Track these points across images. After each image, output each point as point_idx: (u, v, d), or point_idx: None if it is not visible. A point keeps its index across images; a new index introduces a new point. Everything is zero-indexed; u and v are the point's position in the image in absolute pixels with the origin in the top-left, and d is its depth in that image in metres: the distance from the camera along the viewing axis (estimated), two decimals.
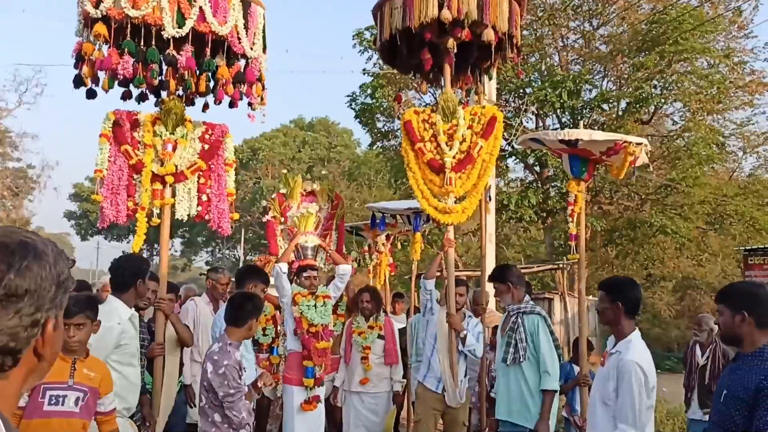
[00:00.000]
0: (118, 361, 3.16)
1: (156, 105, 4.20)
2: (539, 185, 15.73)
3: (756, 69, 16.21)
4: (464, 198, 4.50)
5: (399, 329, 5.71)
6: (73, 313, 2.62)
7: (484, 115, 4.51)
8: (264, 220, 5.92)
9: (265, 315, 4.91)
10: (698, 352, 5.12)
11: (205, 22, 3.80)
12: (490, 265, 6.81)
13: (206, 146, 4.16)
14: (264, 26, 4.16)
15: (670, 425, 7.33)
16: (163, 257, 4.17)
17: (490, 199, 7.91)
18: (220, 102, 4.11)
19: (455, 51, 4.44)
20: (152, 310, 4.24)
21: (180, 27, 3.75)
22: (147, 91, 4.17)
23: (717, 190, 15.90)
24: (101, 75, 3.84)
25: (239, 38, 3.95)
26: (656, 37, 14.31)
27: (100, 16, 3.65)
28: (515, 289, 3.92)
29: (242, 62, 4.14)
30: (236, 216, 4.32)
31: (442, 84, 4.75)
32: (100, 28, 3.65)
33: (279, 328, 5.08)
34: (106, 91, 3.89)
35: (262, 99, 4.15)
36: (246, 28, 3.99)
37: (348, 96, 17.20)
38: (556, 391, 3.76)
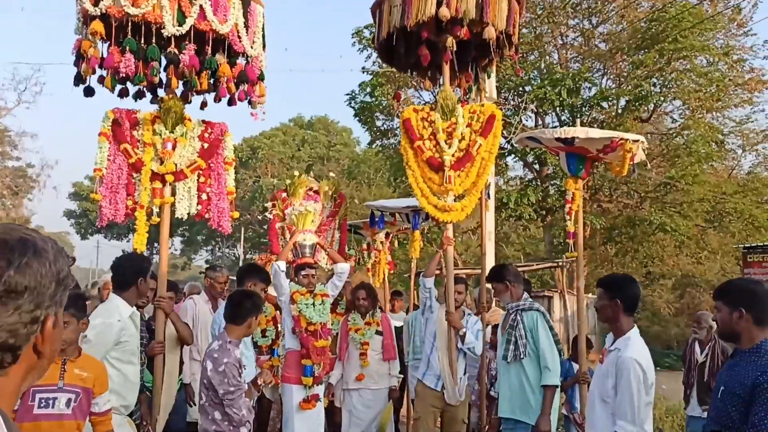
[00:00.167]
0: (118, 359, 3.17)
1: (152, 102, 4.21)
2: (539, 183, 15.74)
3: (755, 66, 16.24)
4: (463, 196, 4.51)
5: (397, 327, 5.71)
6: None
7: (483, 113, 4.52)
8: (269, 215, 5.88)
9: (266, 316, 4.88)
10: (697, 349, 5.13)
11: (206, 20, 3.81)
12: (490, 263, 6.82)
13: (206, 145, 4.16)
14: (263, 24, 4.16)
15: (669, 422, 7.35)
16: (162, 256, 4.17)
17: (489, 197, 7.91)
18: (221, 99, 4.11)
19: (454, 49, 4.44)
20: (152, 308, 4.25)
21: (180, 25, 3.75)
22: (144, 89, 4.17)
23: (716, 187, 15.91)
24: (102, 73, 3.85)
25: (239, 36, 3.95)
26: (655, 35, 14.31)
27: (99, 13, 3.65)
28: (513, 287, 3.94)
29: (242, 61, 4.14)
30: (236, 214, 4.32)
31: (441, 82, 4.75)
32: (97, 26, 3.65)
33: (280, 329, 5.04)
34: (112, 90, 3.90)
35: (262, 97, 4.16)
36: (246, 26, 4.00)
37: (347, 94, 17.22)
38: (557, 387, 3.78)
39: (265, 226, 6.01)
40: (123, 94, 4.13)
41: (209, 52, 3.90)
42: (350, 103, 17.21)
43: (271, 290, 4.75)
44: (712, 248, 17.43)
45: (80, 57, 3.82)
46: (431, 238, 16.46)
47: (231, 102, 4.14)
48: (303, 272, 4.70)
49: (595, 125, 14.30)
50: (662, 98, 15.18)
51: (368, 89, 16.56)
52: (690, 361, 5.18)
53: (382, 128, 17.82)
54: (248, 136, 34.98)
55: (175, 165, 4.01)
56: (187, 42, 3.82)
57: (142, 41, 3.78)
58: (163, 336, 3.97)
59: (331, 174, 6.10)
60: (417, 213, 6.94)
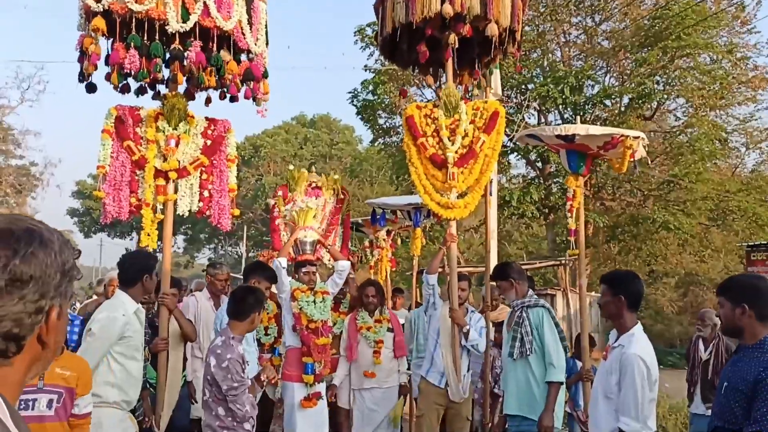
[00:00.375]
0: (122, 354, 3.18)
1: (154, 98, 4.21)
2: (541, 181, 15.72)
3: (759, 64, 16.19)
4: (467, 193, 4.50)
5: None
6: None
7: (486, 110, 4.50)
8: (269, 213, 5.85)
9: (268, 313, 4.86)
10: (701, 347, 5.12)
11: (210, 16, 3.80)
12: (494, 261, 6.82)
13: (209, 142, 4.17)
14: (267, 21, 4.16)
15: (672, 420, 7.34)
16: (166, 253, 4.18)
17: (491, 195, 7.91)
18: (226, 97, 4.11)
19: (456, 46, 4.43)
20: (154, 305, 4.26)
21: (184, 21, 3.75)
22: (146, 85, 4.17)
23: (720, 186, 15.86)
24: (106, 69, 3.85)
25: (243, 33, 3.95)
26: (659, 33, 14.27)
27: (101, 10, 3.65)
28: (518, 284, 3.92)
29: (245, 58, 4.13)
30: (237, 212, 4.32)
31: (444, 79, 4.74)
32: (99, 22, 3.65)
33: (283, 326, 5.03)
34: (117, 87, 3.90)
35: (266, 94, 4.16)
36: (250, 23, 3.99)
37: (349, 92, 17.22)
38: (561, 383, 3.76)
39: (276, 221, 5.94)
40: (125, 90, 4.13)
41: (214, 49, 3.90)
42: (352, 101, 17.21)
43: (273, 288, 4.73)
44: (716, 246, 17.39)
45: (83, 54, 3.82)
46: (433, 236, 16.46)
47: (234, 98, 4.14)
48: (304, 269, 4.67)
49: (598, 123, 14.26)
50: (665, 96, 15.14)
51: (371, 87, 16.55)
52: (694, 359, 5.16)
53: (385, 126, 17.82)
54: (251, 135, 35.03)
55: (179, 162, 4.02)
56: (192, 39, 3.82)
57: (145, 38, 3.78)
58: (167, 333, 3.98)
59: (336, 177, 6.05)
60: (418, 210, 6.95)
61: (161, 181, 4.00)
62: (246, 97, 4.10)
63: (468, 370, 4.69)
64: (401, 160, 16.84)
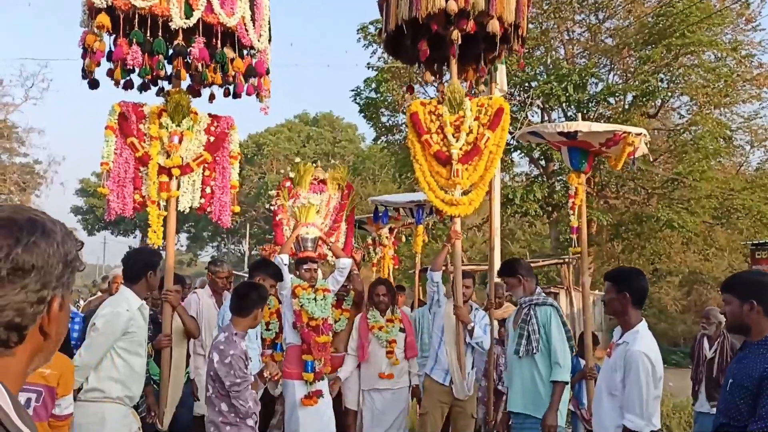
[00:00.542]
0: (125, 349, 3.18)
1: (157, 95, 4.21)
2: (544, 179, 15.69)
3: (764, 62, 16.09)
4: (471, 190, 4.48)
5: None
6: None
7: (491, 107, 4.49)
8: (274, 206, 5.79)
9: (270, 309, 4.82)
10: (706, 345, 5.10)
11: (213, 13, 3.80)
12: (497, 259, 6.80)
13: (212, 138, 4.16)
14: (269, 18, 4.15)
15: (676, 419, 7.32)
16: (169, 249, 4.18)
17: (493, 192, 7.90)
18: (230, 93, 4.11)
19: (460, 42, 4.41)
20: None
21: (188, 18, 3.74)
22: (148, 81, 4.17)
23: (724, 184, 15.80)
24: (109, 65, 3.85)
25: (246, 30, 3.94)
26: (663, 30, 14.21)
27: (105, 6, 3.65)
28: (526, 281, 3.88)
29: (249, 54, 4.13)
30: (237, 209, 4.31)
31: (448, 76, 4.72)
32: (103, 19, 3.65)
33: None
34: (118, 83, 3.90)
35: (268, 91, 4.15)
36: (253, 19, 3.99)
37: (352, 90, 17.20)
38: (566, 383, 3.73)
39: (278, 217, 5.87)
40: (127, 86, 4.13)
41: (218, 45, 3.90)
42: (355, 99, 17.20)
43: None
44: (720, 245, 17.32)
45: (86, 50, 3.82)
46: (436, 234, 16.44)
47: (237, 95, 4.13)
48: (305, 266, 4.64)
49: (602, 121, 14.21)
50: (669, 94, 15.08)
51: (373, 85, 16.54)
52: (698, 357, 5.15)
53: (387, 124, 17.81)
54: (253, 133, 35.06)
55: (182, 158, 4.02)
56: (196, 35, 3.81)
57: (148, 34, 3.77)
58: (170, 329, 3.98)
59: (341, 171, 5.99)
60: (420, 207, 6.94)
61: (164, 178, 3.99)
62: (248, 93, 4.09)
63: (472, 368, 4.66)
64: (404, 158, 16.81)
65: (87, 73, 3.86)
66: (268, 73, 4.13)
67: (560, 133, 4.49)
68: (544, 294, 3.96)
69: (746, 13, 15.57)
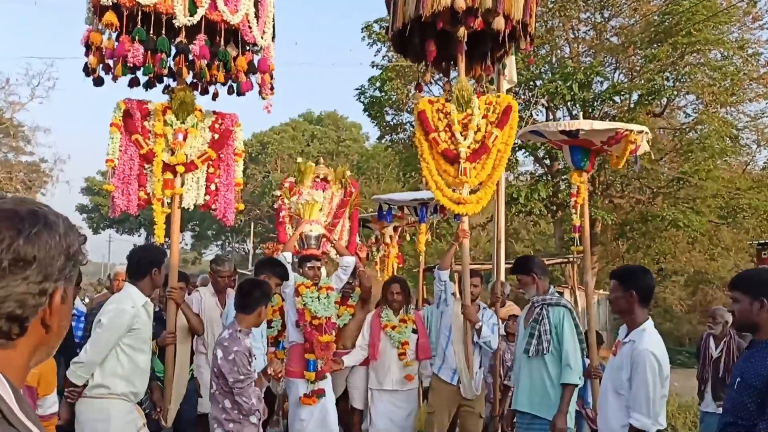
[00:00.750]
0: (130, 346, 3.19)
1: (164, 92, 4.20)
2: (549, 178, 15.65)
3: None
4: (478, 189, 4.45)
5: None
6: None
7: (499, 105, 4.45)
8: (275, 206, 5.79)
9: (273, 306, 4.81)
10: (712, 344, 5.08)
11: (217, 10, 3.79)
12: (502, 257, 6.77)
13: (216, 136, 4.16)
14: (274, 15, 4.14)
15: (681, 419, 7.29)
16: (173, 246, 4.18)
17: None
18: (234, 91, 4.10)
19: (465, 40, 4.39)
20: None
21: (191, 15, 3.74)
22: (155, 79, 4.17)
23: (730, 183, 15.72)
24: (111, 63, 3.85)
25: (250, 27, 3.94)
26: (669, 29, 14.14)
27: (111, 3, 3.65)
28: (540, 279, 3.80)
29: (252, 51, 4.12)
30: (241, 206, 4.31)
31: (455, 74, 4.70)
32: (111, 16, 3.65)
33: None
34: (116, 80, 3.89)
35: (271, 88, 4.14)
36: (257, 16, 3.98)
37: (357, 89, 17.19)
38: (576, 386, 3.66)
39: (281, 215, 5.85)
40: (133, 83, 4.13)
41: (221, 43, 3.89)
42: (360, 97, 17.19)
43: None
44: (726, 244, 17.24)
45: (90, 47, 3.82)
46: (440, 233, 16.42)
47: (240, 93, 4.12)
48: (308, 264, 4.62)
49: (607, 120, 14.16)
50: (675, 92, 15.01)
51: (378, 84, 16.53)
52: (705, 357, 5.12)
53: (392, 123, 17.79)
54: (258, 132, 35.11)
55: (186, 156, 4.02)
56: (198, 32, 3.81)
57: (151, 31, 3.77)
58: (174, 326, 3.98)
59: (344, 169, 5.98)
60: (424, 206, 6.93)
61: (169, 175, 3.99)
62: (247, 89, 4.05)
63: (480, 367, 4.61)
64: (408, 157, 16.80)
65: (90, 71, 3.85)
66: (271, 70, 4.12)
67: (562, 132, 4.48)
68: (557, 294, 3.87)
69: (753, 11, 15.48)
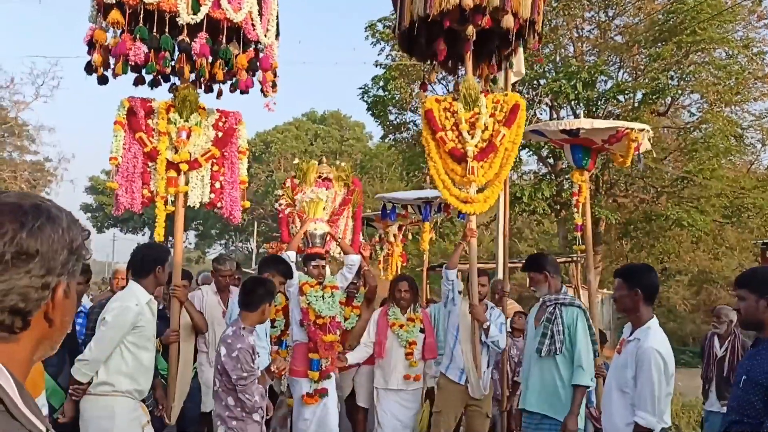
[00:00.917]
0: (134, 343, 3.20)
1: (169, 91, 4.21)
2: (553, 178, 15.61)
3: None
4: (486, 187, 4.44)
5: None
6: None
7: (506, 103, 4.43)
8: (277, 207, 5.79)
9: (276, 306, 4.77)
10: (717, 343, 5.06)
11: (220, 8, 3.79)
12: (504, 255, 6.76)
13: (220, 134, 4.16)
14: (277, 13, 4.14)
15: (685, 418, 7.27)
16: (177, 244, 4.18)
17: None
18: (244, 91, 4.10)
19: (473, 39, 4.37)
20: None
21: (195, 13, 3.74)
22: (160, 77, 4.17)
23: (734, 182, 15.65)
24: (112, 61, 3.85)
25: (253, 25, 3.93)
26: (673, 27, 14.08)
27: (115, 1, 3.65)
28: (552, 278, 3.76)
29: (256, 49, 4.12)
30: (247, 204, 4.30)
31: (462, 72, 4.68)
32: (116, 14, 3.66)
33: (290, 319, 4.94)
34: (115, 77, 3.90)
35: (274, 86, 4.14)
36: (260, 14, 3.98)
37: (360, 88, 17.18)
38: (588, 387, 3.64)
39: (281, 216, 5.85)
40: (138, 82, 4.14)
41: (223, 41, 3.89)
42: (363, 97, 17.18)
43: None
44: (730, 244, 17.17)
45: (92, 46, 3.82)
46: (443, 232, 16.40)
47: (244, 91, 4.12)
48: (313, 263, 4.60)
49: (611, 119, 14.13)
50: (680, 91, 14.95)
51: (381, 83, 16.52)
52: (709, 356, 5.11)
53: (395, 122, 17.77)
54: (261, 131, 35.16)
55: (190, 154, 4.02)
56: (200, 30, 3.80)
57: (154, 29, 3.77)
58: (178, 324, 3.99)
59: (346, 168, 5.96)
60: (428, 205, 6.93)
61: (173, 173, 4.00)
62: (248, 86, 4.04)
63: (488, 367, 4.58)
64: (411, 156, 16.79)
65: (93, 69, 3.86)
66: (274, 67, 4.11)
67: (562, 131, 4.47)
68: (570, 294, 3.83)
69: (758, 10, 15.40)
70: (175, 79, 4.20)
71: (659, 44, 14.48)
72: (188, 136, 4.02)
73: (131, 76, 4.06)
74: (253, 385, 3.23)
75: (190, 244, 41.26)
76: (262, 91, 4.12)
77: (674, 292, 20.15)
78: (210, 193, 4.11)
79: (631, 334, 2.87)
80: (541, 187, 14.62)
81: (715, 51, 14.58)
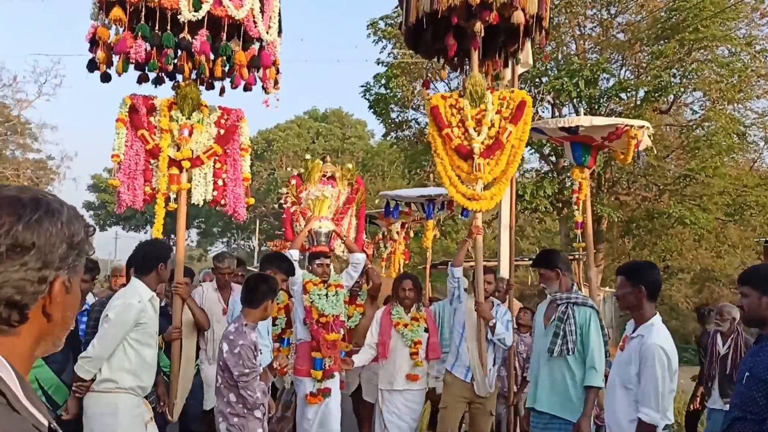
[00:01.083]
0: (137, 340, 3.20)
1: (173, 89, 4.21)
2: (555, 175, 15.59)
3: None
4: (492, 184, 4.42)
5: None
6: None
7: (513, 100, 4.41)
8: (283, 204, 5.77)
9: (278, 304, 4.77)
10: (719, 341, 5.05)
11: (222, 6, 3.79)
12: (506, 254, 6.77)
13: (222, 131, 4.16)
14: (279, 10, 4.13)
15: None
16: (179, 241, 4.19)
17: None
18: (237, 87, 4.10)
19: (482, 35, 4.35)
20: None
21: (196, 11, 3.74)
22: (163, 75, 4.17)
23: (737, 180, 15.61)
24: (115, 59, 3.85)
25: (255, 22, 3.93)
26: (676, 25, 14.04)
27: None
28: (564, 276, 3.68)
29: (257, 46, 4.11)
30: (252, 201, 4.30)
31: (468, 69, 4.67)
32: (118, 12, 3.66)
33: (292, 318, 4.84)
34: (119, 75, 3.90)
35: (276, 83, 4.13)
36: (262, 11, 3.97)
37: (362, 86, 17.16)
38: (600, 388, 3.56)
39: (283, 216, 5.84)
40: (142, 80, 4.14)
41: (224, 38, 3.88)
42: (365, 95, 17.16)
43: None
44: (732, 242, 17.13)
45: (94, 43, 3.82)
46: (446, 230, 16.40)
47: (247, 88, 4.12)
48: (317, 261, 4.58)
49: (614, 116, 14.10)
50: (682, 89, 14.91)
51: (383, 81, 16.50)
52: (712, 354, 5.10)
53: (397, 120, 17.76)
54: (263, 129, 35.18)
55: (192, 151, 4.02)
56: (201, 28, 3.80)
57: (156, 27, 3.77)
58: (180, 321, 3.99)
59: (350, 167, 5.95)
60: (431, 202, 6.92)
61: (175, 171, 4.00)
62: (249, 84, 4.04)
63: (494, 364, 4.56)
64: (413, 154, 16.78)
65: (95, 66, 3.86)
66: (275, 64, 4.11)
67: (562, 129, 4.45)
68: (583, 294, 3.76)
69: (761, 7, 15.35)
70: (178, 77, 4.20)
71: (662, 42, 14.45)
72: (190, 134, 4.02)
73: (134, 73, 4.06)
74: (254, 382, 3.23)
75: (192, 241, 41.34)
76: (263, 88, 4.11)
77: (676, 290, 20.15)
78: (213, 190, 4.11)
79: (634, 331, 2.87)
80: (543, 184, 14.60)
81: (717, 48, 14.54)
